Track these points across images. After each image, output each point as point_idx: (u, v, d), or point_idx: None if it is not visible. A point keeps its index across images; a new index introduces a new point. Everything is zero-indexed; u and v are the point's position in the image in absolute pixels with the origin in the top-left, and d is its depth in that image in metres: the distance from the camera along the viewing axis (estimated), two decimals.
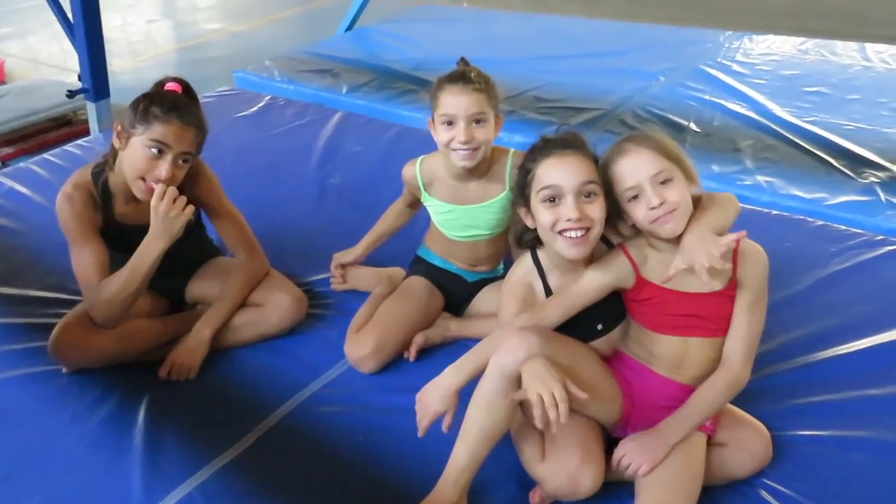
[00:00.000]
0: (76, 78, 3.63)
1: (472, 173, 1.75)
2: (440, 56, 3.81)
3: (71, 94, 3.55)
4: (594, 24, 4.49)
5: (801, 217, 2.35)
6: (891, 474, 1.44)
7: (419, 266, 1.95)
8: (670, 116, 3.10)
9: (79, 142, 3.01)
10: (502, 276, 1.96)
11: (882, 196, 2.45)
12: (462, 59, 1.74)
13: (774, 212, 2.38)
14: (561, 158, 1.35)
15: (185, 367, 1.74)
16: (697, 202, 1.36)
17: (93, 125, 3.60)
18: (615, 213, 1.38)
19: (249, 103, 3.35)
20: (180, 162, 1.66)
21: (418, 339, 1.80)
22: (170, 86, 1.73)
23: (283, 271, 1.96)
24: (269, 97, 3.42)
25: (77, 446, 1.56)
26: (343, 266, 2.04)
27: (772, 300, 1.43)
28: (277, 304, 1.84)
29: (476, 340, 1.80)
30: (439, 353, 1.81)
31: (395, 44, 4.17)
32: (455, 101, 1.64)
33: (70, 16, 3.44)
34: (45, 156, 2.85)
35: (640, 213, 1.33)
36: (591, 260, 1.42)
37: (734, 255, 1.34)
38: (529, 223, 1.43)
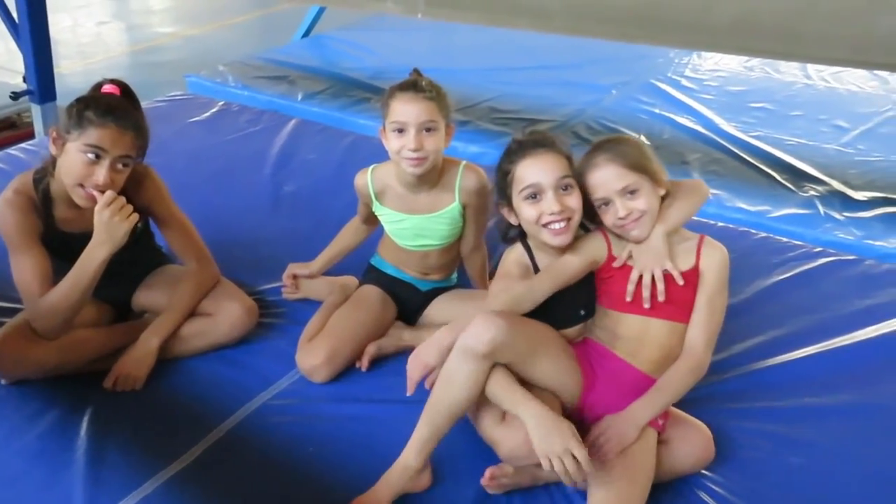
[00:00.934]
0: (21, 79, 3.53)
1: (423, 183, 1.76)
2: (397, 65, 3.82)
3: (15, 95, 3.46)
4: (548, 37, 4.56)
5: (746, 229, 2.42)
6: (825, 477, 1.49)
7: (372, 275, 1.95)
8: (622, 129, 3.16)
9: (23, 145, 2.93)
10: (456, 286, 1.97)
11: (821, 209, 2.55)
12: (415, 70, 1.76)
13: (720, 223, 2.44)
14: (537, 158, 1.46)
15: (132, 378, 1.70)
16: (666, 193, 1.48)
17: (38, 128, 3.51)
18: (591, 207, 1.49)
19: (202, 109, 3.30)
20: (119, 166, 1.62)
21: (371, 349, 1.79)
22: (107, 88, 1.69)
23: (233, 280, 1.93)
24: (222, 103, 3.38)
25: (15, 461, 1.51)
26: (296, 277, 2.02)
27: None
28: (228, 314, 1.81)
29: None
30: (392, 363, 1.81)
31: (351, 52, 4.17)
32: (406, 109, 1.66)
33: (15, 15, 3.34)
34: None
35: (609, 219, 1.47)
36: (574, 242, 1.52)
37: (698, 247, 1.48)
38: (513, 220, 1.53)
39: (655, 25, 1.68)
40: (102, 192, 1.59)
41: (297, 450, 1.56)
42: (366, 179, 1.84)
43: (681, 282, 1.44)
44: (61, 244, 1.70)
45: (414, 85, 1.68)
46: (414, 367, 1.45)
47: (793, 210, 2.55)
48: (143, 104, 3.49)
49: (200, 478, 1.49)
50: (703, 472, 1.49)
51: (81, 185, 1.60)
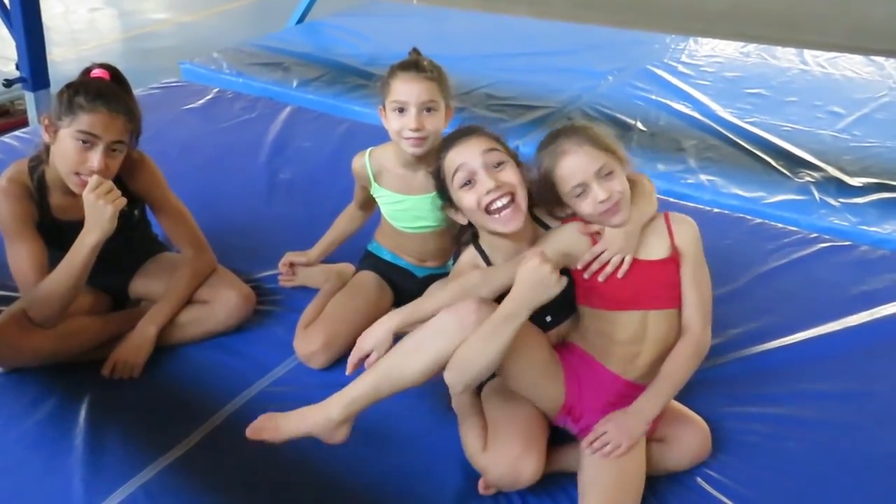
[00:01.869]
0: (14, 67, 3.51)
1: (421, 162, 1.76)
2: (392, 51, 3.77)
3: (8, 83, 3.43)
4: (544, 23, 4.54)
5: (741, 215, 2.43)
6: (822, 461, 1.51)
7: (369, 261, 1.95)
8: (618, 115, 3.16)
9: (17, 133, 2.91)
10: None
11: (816, 195, 2.55)
12: (414, 49, 1.75)
13: (716, 210, 2.45)
14: (461, 143, 1.43)
15: (129, 366, 1.70)
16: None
17: (31, 116, 3.49)
18: (552, 200, 1.43)
19: (196, 96, 3.29)
20: (113, 151, 1.61)
21: None
22: (96, 73, 1.68)
23: (230, 267, 1.93)
24: (216, 90, 3.36)
25: (14, 448, 1.52)
26: (293, 265, 2.02)
27: (712, 295, 1.48)
28: (224, 301, 1.81)
29: None
30: None
31: (346, 38, 4.14)
32: (407, 88, 1.65)
33: (6, 2, 3.31)
34: None
35: (587, 207, 1.38)
36: (534, 242, 1.45)
37: (667, 224, 1.44)
38: (461, 219, 1.48)
39: (652, 11, 1.67)
40: None
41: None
42: (363, 161, 1.83)
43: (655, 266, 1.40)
44: (57, 232, 1.70)
45: (415, 64, 1.68)
46: (353, 352, 1.42)
47: (788, 196, 2.56)
48: (137, 91, 3.47)
49: (199, 464, 1.50)
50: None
51: (77, 173, 1.60)
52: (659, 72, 3.63)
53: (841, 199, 2.53)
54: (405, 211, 1.84)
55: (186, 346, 1.80)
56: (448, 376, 1.32)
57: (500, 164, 1.40)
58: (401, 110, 1.67)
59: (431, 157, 1.76)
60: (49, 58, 3.45)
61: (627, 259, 1.39)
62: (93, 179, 1.56)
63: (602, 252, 1.39)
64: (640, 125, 3.08)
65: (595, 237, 1.41)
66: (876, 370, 1.75)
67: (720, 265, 1.98)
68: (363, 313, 1.81)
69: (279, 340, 1.82)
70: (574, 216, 1.45)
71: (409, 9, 4.82)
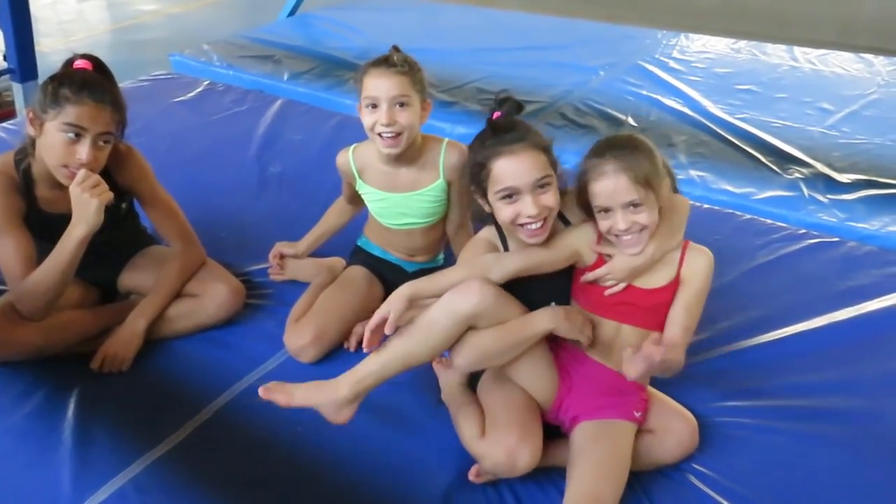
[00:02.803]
0: (1, 57, 3.48)
1: (402, 159, 1.75)
2: (384, 45, 3.75)
3: None
4: (536, 18, 4.54)
5: (731, 211, 2.44)
6: (809, 455, 1.52)
7: (359, 256, 1.95)
8: (609, 110, 3.16)
9: (4, 124, 2.89)
10: (442, 267, 1.98)
11: (805, 191, 2.57)
12: (393, 47, 1.75)
13: (706, 205, 2.46)
14: (513, 157, 1.38)
15: (118, 359, 1.70)
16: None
17: (19, 107, 3.46)
18: (582, 201, 1.44)
19: (187, 88, 3.27)
20: (100, 143, 1.60)
21: (359, 329, 1.80)
22: (79, 63, 1.66)
23: (220, 261, 1.93)
24: (207, 82, 3.34)
25: (2, 441, 1.51)
26: (282, 257, 2.02)
27: None
28: (214, 295, 1.81)
29: None
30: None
31: (338, 31, 4.13)
32: (377, 84, 1.65)
33: None
34: None
35: (604, 226, 1.41)
36: (552, 234, 1.47)
37: (682, 255, 1.45)
38: (487, 209, 1.47)
39: (644, 7, 1.68)
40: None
41: (285, 430, 1.56)
42: (347, 158, 1.83)
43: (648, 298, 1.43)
44: (44, 225, 1.69)
45: (386, 60, 1.68)
46: (371, 321, 1.40)
47: (777, 192, 2.57)
48: (126, 83, 3.46)
49: (188, 458, 1.50)
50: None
51: (65, 166, 1.59)
52: (650, 67, 3.63)
53: (829, 196, 2.54)
54: (390, 208, 1.84)
55: (176, 339, 1.80)
56: (459, 360, 1.40)
57: (545, 185, 1.40)
58: (373, 106, 1.67)
59: (412, 153, 1.76)
60: (37, 49, 3.42)
61: (621, 286, 1.44)
62: (80, 173, 1.55)
63: (604, 274, 1.44)
64: (630, 120, 3.09)
65: (603, 258, 1.45)
66: (863, 364, 1.77)
67: None
68: (353, 308, 1.81)
69: (269, 334, 1.82)
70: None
71: (400, 2, 4.80)
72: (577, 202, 1.46)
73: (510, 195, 1.39)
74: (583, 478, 1.36)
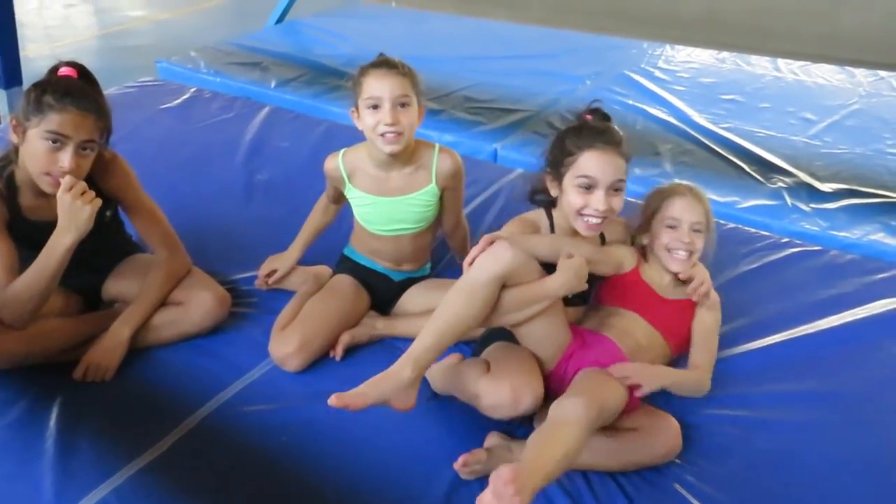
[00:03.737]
0: None
1: (396, 162, 1.76)
2: (371, 52, 3.76)
3: None
4: (523, 27, 4.56)
5: (715, 219, 2.45)
6: (792, 463, 1.53)
7: (345, 264, 1.95)
8: None
9: None
10: (429, 276, 1.98)
11: (788, 200, 2.60)
12: (381, 54, 1.78)
13: None
14: (603, 154, 1.53)
15: (102, 368, 1.69)
16: None
17: (3, 113, 3.43)
18: (642, 224, 1.68)
19: (173, 95, 3.26)
20: (83, 151, 1.60)
21: (344, 338, 1.80)
22: (63, 71, 1.65)
23: (206, 269, 1.92)
24: (194, 89, 3.33)
25: None
26: (270, 275, 1.97)
27: None
28: (199, 303, 1.80)
29: (403, 340, 1.84)
30: (365, 353, 1.82)
31: (326, 39, 4.13)
32: (380, 84, 1.67)
33: None
34: None
35: (665, 239, 1.63)
36: (591, 239, 1.64)
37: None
38: (553, 192, 1.61)
39: (627, 18, 1.71)
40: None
41: (271, 439, 1.56)
42: (336, 162, 1.83)
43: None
44: (28, 233, 1.67)
45: (386, 62, 1.71)
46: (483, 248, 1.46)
47: (761, 201, 2.60)
48: (112, 90, 3.44)
49: (172, 468, 1.48)
50: (672, 459, 1.51)
51: (48, 173, 1.58)
52: (636, 77, 3.67)
53: (812, 205, 2.57)
54: (379, 213, 1.84)
55: (161, 348, 1.79)
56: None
57: (618, 189, 1.55)
58: (375, 106, 1.68)
59: (405, 156, 1.77)
60: (22, 54, 3.40)
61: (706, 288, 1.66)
62: (66, 180, 1.54)
63: (702, 282, 1.67)
64: (617, 129, 3.11)
65: (638, 270, 1.69)
66: (844, 372, 1.78)
67: None
68: (340, 317, 1.81)
69: (255, 343, 1.81)
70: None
71: (388, 10, 4.81)
72: (640, 223, 1.68)
73: (588, 186, 1.53)
74: (577, 386, 1.43)
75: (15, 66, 3.35)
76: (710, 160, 2.88)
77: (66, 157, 1.56)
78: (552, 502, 1.41)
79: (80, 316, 1.83)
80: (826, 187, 2.68)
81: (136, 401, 1.65)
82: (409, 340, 1.81)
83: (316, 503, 1.43)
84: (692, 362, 1.63)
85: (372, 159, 1.79)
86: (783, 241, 2.32)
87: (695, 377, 1.62)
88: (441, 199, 1.84)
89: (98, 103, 1.63)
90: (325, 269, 2.01)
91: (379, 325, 1.87)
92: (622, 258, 1.68)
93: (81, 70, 1.69)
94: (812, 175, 2.76)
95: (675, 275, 1.65)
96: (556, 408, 1.34)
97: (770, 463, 1.53)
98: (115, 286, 1.87)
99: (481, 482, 1.46)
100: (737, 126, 3.15)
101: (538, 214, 1.66)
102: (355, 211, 1.88)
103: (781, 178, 2.75)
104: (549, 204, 1.65)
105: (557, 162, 1.58)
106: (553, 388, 1.51)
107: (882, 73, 3.78)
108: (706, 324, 1.66)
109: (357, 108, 1.73)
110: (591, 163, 1.53)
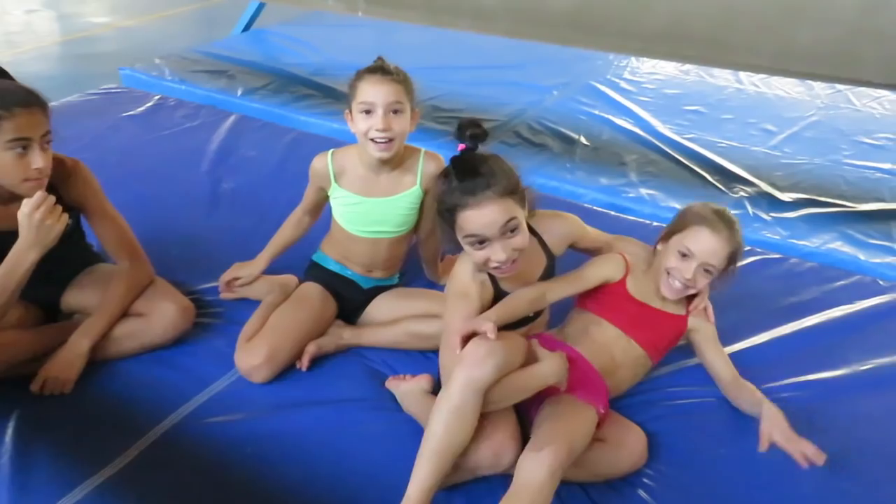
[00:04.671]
0: None
1: (385, 165, 1.79)
2: (339, 61, 3.80)
3: None
4: (491, 37, 4.60)
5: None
6: (752, 467, 1.55)
7: (314, 272, 1.94)
8: (562, 130, 3.22)
9: None
10: (397, 286, 1.98)
11: (750, 209, 2.65)
12: (379, 58, 1.78)
13: (655, 223, 2.51)
14: (479, 209, 1.39)
15: (60, 381, 1.65)
16: None
17: None
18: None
19: (137, 103, 3.21)
20: (46, 144, 1.58)
21: (311, 349, 1.78)
22: None
23: (169, 279, 1.89)
24: (158, 97, 3.29)
25: None
26: (232, 283, 1.96)
27: None
28: (162, 314, 1.77)
29: (369, 349, 1.83)
30: (332, 362, 1.81)
31: (293, 47, 4.12)
32: (374, 90, 1.68)
33: None
34: None
35: (672, 263, 1.60)
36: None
37: (687, 304, 1.68)
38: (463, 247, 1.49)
39: (591, 30, 1.73)
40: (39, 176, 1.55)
41: (236, 451, 1.54)
42: (325, 161, 1.84)
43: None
44: None
45: (381, 68, 1.72)
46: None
47: None
48: (75, 97, 3.38)
49: (134, 483, 1.46)
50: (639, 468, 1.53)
51: (26, 179, 1.55)
52: (602, 88, 3.72)
53: (772, 214, 2.63)
54: (361, 213, 1.84)
55: (122, 360, 1.75)
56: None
57: (514, 229, 1.42)
58: (368, 112, 1.69)
59: (394, 160, 1.78)
60: None
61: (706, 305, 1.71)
62: (36, 196, 1.51)
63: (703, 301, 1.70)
64: (583, 139, 3.15)
65: (625, 281, 1.66)
66: (804, 377, 1.82)
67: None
68: (307, 326, 1.79)
69: (220, 354, 1.79)
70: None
71: (355, 20, 4.80)
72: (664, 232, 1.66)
73: (479, 242, 1.43)
74: (545, 430, 1.40)
75: None
76: (674, 170, 2.93)
77: (36, 158, 1.54)
78: None
79: (39, 328, 1.78)
80: (786, 197, 2.75)
81: (96, 414, 1.62)
82: (375, 350, 1.83)
83: None
84: (725, 378, 1.67)
85: (361, 160, 1.81)
86: (745, 249, 2.36)
87: (754, 394, 1.63)
88: (422, 203, 1.84)
89: (31, 92, 1.59)
90: (291, 279, 2.00)
91: (346, 335, 1.86)
92: (607, 275, 1.65)
93: None
94: (772, 185, 2.82)
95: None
96: (521, 469, 1.33)
97: (733, 470, 1.55)
98: (74, 297, 1.83)
99: (449, 492, 1.45)
100: (700, 136, 3.21)
101: (473, 269, 1.52)
102: (336, 211, 1.87)
103: (743, 187, 2.81)
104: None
105: (447, 219, 1.45)
106: (526, 406, 1.50)
107: (839, 86, 3.90)
108: (712, 335, 1.70)
109: (351, 111, 1.74)
110: (471, 222, 1.40)
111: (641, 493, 1.48)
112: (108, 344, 1.74)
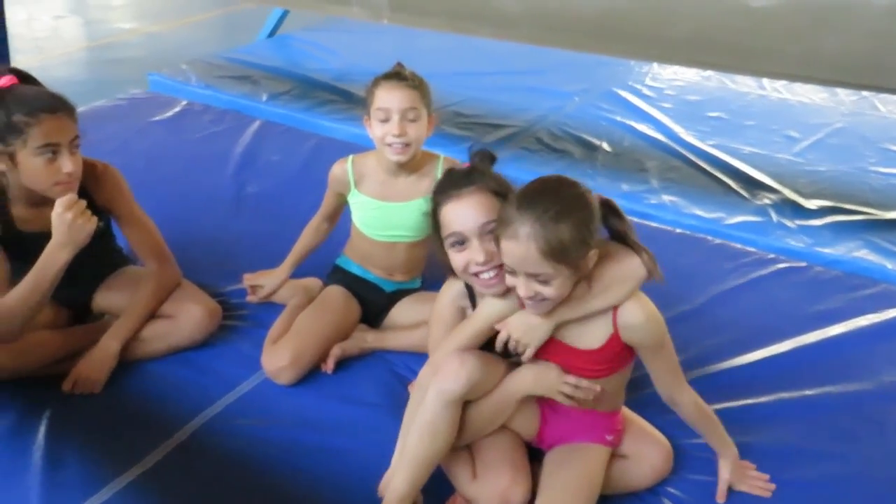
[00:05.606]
0: None
1: (403, 170, 1.81)
2: (362, 67, 3.81)
3: None
4: (513, 43, 4.61)
5: (702, 235, 2.49)
6: (776, 476, 1.54)
7: (337, 275, 1.96)
8: (584, 136, 3.22)
9: None
10: (420, 289, 1.99)
11: (773, 217, 2.63)
12: (398, 63, 1.81)
13: (678, 230, 2.51)
14: (459, 201, 1.35)
15: (91, 381, 1.68)
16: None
17: None
18: None
19: (164, 108, 3.26)
20: (75, 148, 1.62)
21: (335, 352, 1.80)
22: (4, 81, 1.62)
23: (196, 282, 1.92)
24: (185, 102, 3.34)
25: None
26: (257, 289, 1.99)
27: (672, 315, 1.53)
28: (189, 316, 1.80)
29: (393, 353, 1.84)
30: (356, 365, 1.82)
31: (317, 53, 4.16)
32: (389, 96, 1.72)
33: None
34: None
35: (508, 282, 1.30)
36: None
37: (613, 320, 1.33)
38: (447, 261, 1.41)
39: (614, 37, 1.73)
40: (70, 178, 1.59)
41: (260, 453, 1.56)
42: (345, 167, 1.87)
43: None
44: (20, 245, 1.67)
45: (397, 74, 1.75)
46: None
47: (747, 217, 2.63)
48: (103, 102, 3.44)
49: (160, 482, 1.48)
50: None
51: (56, 183, 1.59)
52: (624, 94, 3.71)
53: (797, 221, 2.61)
54: (381, 218, 1.86)
55: (150, 361, 1.79)
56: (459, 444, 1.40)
57: (491, 232, 1.33)
58: (384, 117, 1.72)
59: (413, 165, 1.80)
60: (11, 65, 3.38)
61: (529, 352, 1.35)
62: (67, 197, 1.54)
63: (505, 338, 1.35)
64: (605, 146, 3.15)
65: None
66: (829, 387, 1.80)
67: (680, 284, 2.04)
68: (331, 329, 1.82)
69: (245, 356, 1.81)
70: None
71: (377, 26, 4.84)
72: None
73: (459, 241, 1.35)
74: (552, 494, 1.38)
75: None
76: (697, 176, 2.92)
77: (66, 163, 1.58)
78: None
79: (70, 329, 1.82)
80: (811, 204, 2.73)
81: (124, 414, 1.65)
82: (398, 353, 1.84)
83: None
84: (668, 399, 1.43)
85: (380, 165, 1.84)
86: (769, 257, 2.36)
87: (704, 423, 1.47)
88: None
89: (58, 98, 1.63)
90: (314, 282, 2.02)
91: (369, 339, 1.87)
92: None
93: (19, 73, 1.68)
94: (797, 192, 2.80)
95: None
96: None
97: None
98: (104, 299, 1.86)
99: None
100: (722, 143, 3.19)
101: (453, 292, 1.47)
102: (355, 216, 1.90)
103: (767, 194, 2.79)
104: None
105: (435, 229, 1.41)
106: (534, 450, 1.50)
107: (864, 92, 3.86)
108: (645, 354, 1.38)
109: (369, 117, 1.76)
110: (450, 217, 1.35)
111: (666, 501, 1.48)
112: (137, 345, 1.77)
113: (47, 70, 4.74)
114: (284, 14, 4.57)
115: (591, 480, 1.41)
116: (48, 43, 5.49)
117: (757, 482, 1.51)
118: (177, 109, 3.26)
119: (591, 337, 1.35)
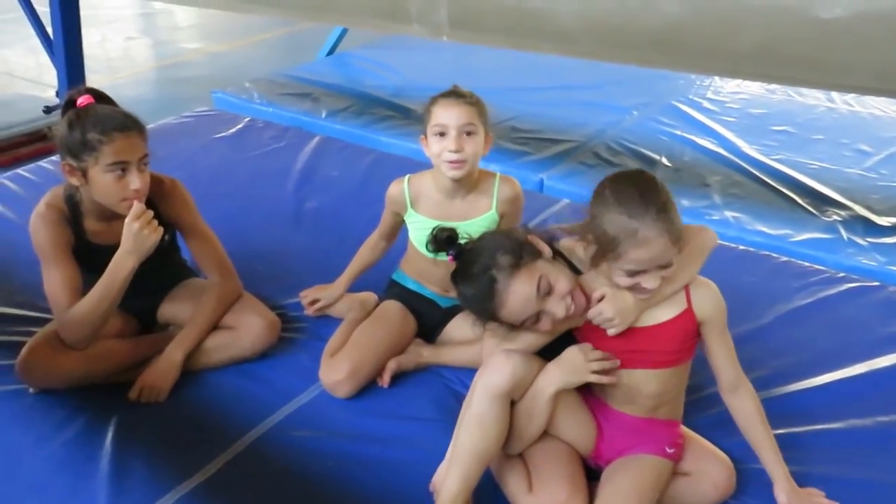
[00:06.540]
0: (52, 93, 3.61)
1: (460, 188, 1.81)
2: (419, 83, 3.87)
3: (48, 109, 3.53)
4: (569, 58, 4.59)
5: (766, 253, 2.41)
6: (845, 501, 1.47)
7: (394, 290, 1.97)
8: (643, 150, 3.17)
9: (53, 157, 2.99)
10: None
11: (844, 234, 2.53)
12: (454, 85, 1.83)
13: (741, 247, 2.44)
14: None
15: (156, 390, 1.73)
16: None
17: None
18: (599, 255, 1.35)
19: (228, 124, 3.36)
20: (143, 166, 1.68)
21: (392, 366, 1.81)
22: (83, 101, 1.69)
23: (256, 294, 1.96)
24: (247, 119, 3.43)
25: (41, 468, 1.54)
26: (314, 303, 2.01)
27: (736, 334, 1.48)
28: (250, 328, 1.84)
29: (448, 368, 1.84)
30: (411, 380, 1.83)
31: (375, 70, 4.22)
32: (447, 113, 1.73)
33: (49, 30, 3.43)
34: (19, 171, 2.83)
35: (626, 283, 1.33)
36: None
37: (686, 294, 1.40)
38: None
39: (678, 51, 1.69)
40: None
41: (317, 464, 1.57)
42: (402, 187, 1.88)
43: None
44: (90, 256, 1.74)
45: (455, 92, 1.78)
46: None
47: (815, 234, 2.54)
48: (170, 119, 3.56)
49: (221, 490, 1.51)
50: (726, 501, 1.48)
51: (124, 199, 1.65)
52: (684, 107, 3.64)
53: (869, 239, 2.50)
54: None
55: (212, 371, 1.83)
56: (510, 452, 1.43)
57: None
58: (441, 134, 1.74)
59: (469, 183, 1.81)
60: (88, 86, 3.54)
61: (615, 330, 1.37)
62: (135, 208, 1.61)
63: (597, 315, 1.37)
64: (664, 160, 3.09)
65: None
66: None
67: (744, 303, 1.98)
68: (388, 343, 1.83)
69: (303, 368, 1.84)
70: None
71: (434, 42, 4.88)
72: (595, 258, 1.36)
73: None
74: (614, 493, 1.37)
75: None
76: (761, 192, 2.84)
77: (134, 180, 1.64)
78: None
79: (137, 338, 1.88)
80: (883, 221, 2.61)
81: (187, 423, 1.69)
82: (453, 369, 1.84)
83: None
84: (724, 383, 1.45)
85: (437, 185, 1.84)
86: (839, 275, 2.26)
87: (758, 419, 1.47)
88: (498, 227, 1.86)
89: (130, 117, 1.69)
90: (370, 296, 2.04)
91: (425, 353, 1.88)
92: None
93: (96, 93, 1.74)
94: (868, 208, 2.69)
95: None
96: None
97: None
98: (169, 309, 1.92)
99: None
100: (788, 158, 3.10)
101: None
102: (412, 234, 1.91)
103: (836, 210, 2.69)
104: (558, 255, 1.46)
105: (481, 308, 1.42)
106: (590, 467, 1.49)
107: None
108: (714, 331, 1.42)
109: (426, 135, 1.78)
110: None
111: None
112: (199, 355, 1.81)
113: (118, 89, 4.95)
114: (343, 32, 4.67)
115: (647, 491, 1.38)
116: (119, 63, 5.73)
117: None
118: (240, 126, 3.35)
119: (661, 313, 1.41)
